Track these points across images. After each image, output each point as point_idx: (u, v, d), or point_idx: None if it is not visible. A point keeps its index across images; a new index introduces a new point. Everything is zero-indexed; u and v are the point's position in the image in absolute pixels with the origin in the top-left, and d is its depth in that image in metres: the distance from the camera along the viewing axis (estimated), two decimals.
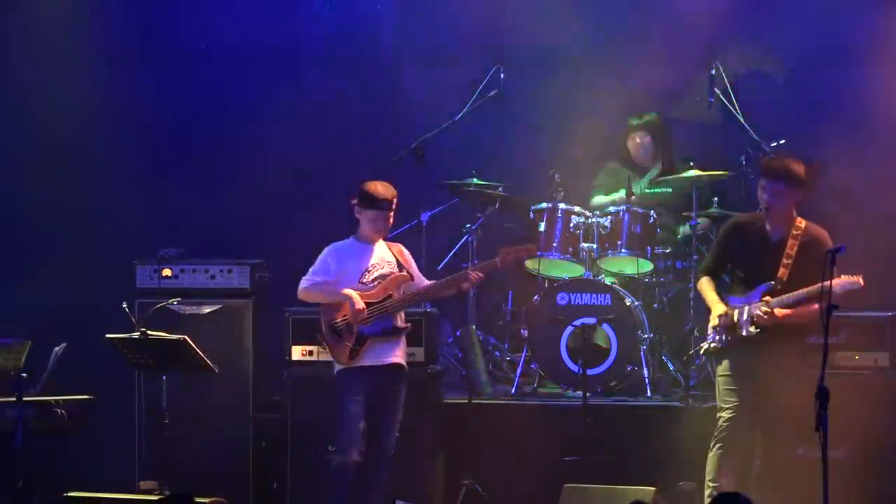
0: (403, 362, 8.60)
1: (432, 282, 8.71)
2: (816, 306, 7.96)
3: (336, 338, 8.48)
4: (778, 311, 8.12)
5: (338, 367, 8.52)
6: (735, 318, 8.25)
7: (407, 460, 8.92)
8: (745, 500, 6.11)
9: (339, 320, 8.47)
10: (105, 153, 10.85)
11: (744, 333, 8.22)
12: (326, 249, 8.60)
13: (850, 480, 8.22)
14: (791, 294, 8.12)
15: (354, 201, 8.54)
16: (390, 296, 8.51)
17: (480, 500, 9.21)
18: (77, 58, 10.78)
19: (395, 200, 8.56)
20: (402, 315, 8.62)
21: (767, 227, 8.32)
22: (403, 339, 8.64)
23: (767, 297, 8.19)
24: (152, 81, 11.01)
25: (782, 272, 8.20)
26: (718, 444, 8.23)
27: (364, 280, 8.53)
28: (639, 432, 9.18)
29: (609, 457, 9.00)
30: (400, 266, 8.61)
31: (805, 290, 8.05)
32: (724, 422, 8.23)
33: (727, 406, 8.24)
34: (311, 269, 8.57)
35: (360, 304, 8.40)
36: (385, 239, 8.70)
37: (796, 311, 8.14)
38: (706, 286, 8.48)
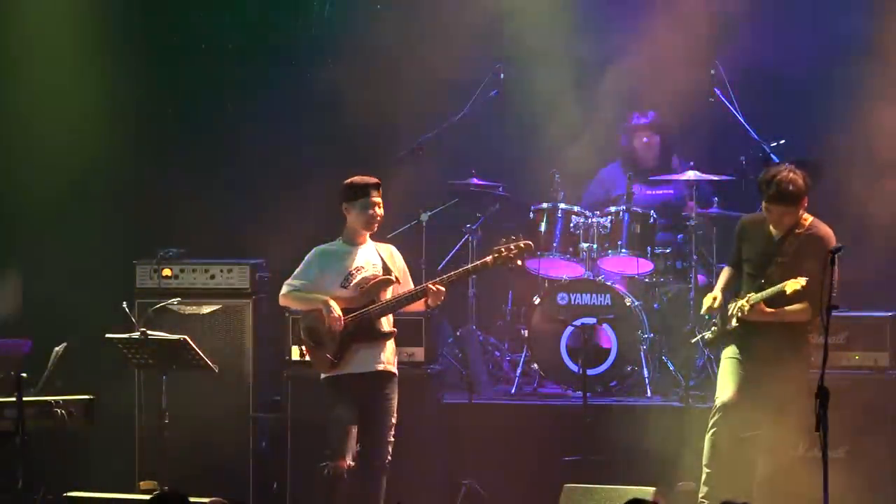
0: (392, 369, 8.30)
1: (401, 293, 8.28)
2: (798, 305, 8.01)
3: (316, 345, 8.24)
4: (758, 307, 8.15)
5: (323, 375, 8.32)
6: (730, 311, 8.29)
7: (407, 460, 8.92)
8: None
9: (318, 327, 8.21)
10: (105, 153, 10.84)
11: (727, 326, 8.32)
12: (310, 253, 8.37)
13: (850, 480, 8.23)
14: (767, 291, 8.14)
15: (342, 203, 8.30)
16: (373, 300, 8.23)
17: (480, 500, 9.21)
18: (77, 57, 10.77)
19: (379, 185, 8.28)
20: (390, 319, 8.31)
21: (772, 227, 8.32)
22: (391, 343, 8.31)
23: (751, 293, 8.21)
24: (153, 81, 11.01)
25: (773, 270, 8.21)
26: (713, 429, 8.27)
27: (346, 284, 8.26)
28: (639, 432, 9.17)
29: (609, 457, 9.00)
30: (386, 269, 8.32)
31: (778, 286, 8.08)
32: (720, 403, 8.26)
33: (724, 388, 8.28)
34: (291, 277, 8.34)
35: (336, 313, 8.13)
36: (376, 238, 8.46)
37: (777, 311, 8.16)
38: (721, 276, 8.59)
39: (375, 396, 8.25)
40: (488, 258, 8.38)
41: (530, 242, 8.45)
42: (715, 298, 8.36)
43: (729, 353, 8.36)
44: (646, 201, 10.47)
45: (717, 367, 9.57)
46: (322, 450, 8.31)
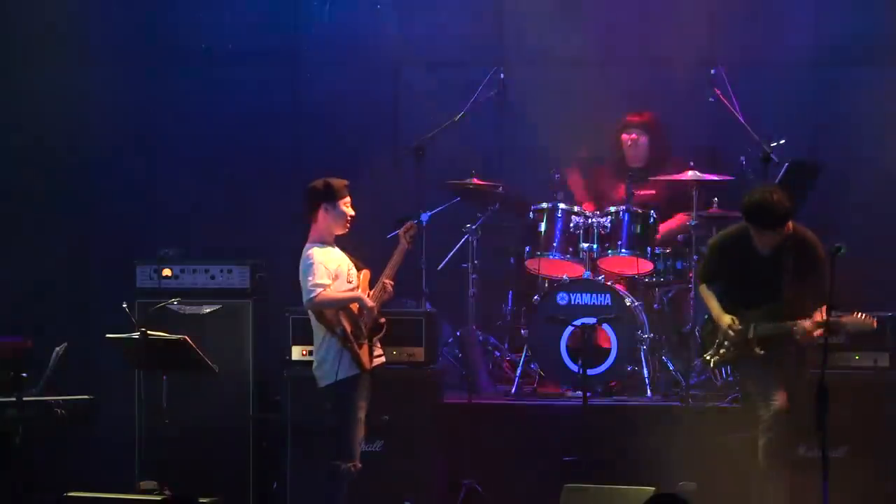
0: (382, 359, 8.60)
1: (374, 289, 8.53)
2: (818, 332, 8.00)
3: (358, 344, 8.33)
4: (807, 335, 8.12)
5: (343, 374, 8.31)
6: (749, 335, 8.24)
7: (407, 460, 8.92)
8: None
9: (359, 325, 8.34)
10: (105, 153, 10.85)
11: (748, 349, 8.28)
12: (315, 256, 8.33)
13: (850, 480, 8.23)
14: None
15: (321, 204, 8.35)
16: (368, 295, 8.44)
17: (480, 500, 9.21)
18: (76, 58, 10.78)
19: None
20: None
21: (755, 241, 8.28)
22: None
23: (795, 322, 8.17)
24: (152, 82, 11.01)
25: (784, 290, 8.17)
26: (773, 445, 8.15)
27: (350, 281, 8.43)
28: (639, 432, 9.17)
29: (609, 457, 9.00)
30: (356, 265, 8.52)
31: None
32: (773, 411, 8.13)
33: (772, 396, 8.16)
34: (313, 279, 8.27)
35: (373, 303, 8.36)
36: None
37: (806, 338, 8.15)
38: (707, 294, 8.53)
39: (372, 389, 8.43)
40: (403, 244, 8.53)
41: (412, 221, 8.73)
42: (737, 321, 8.31)
43: (756, 365, 8.30)
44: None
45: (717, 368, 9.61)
46: (323, 445, 8.41)
